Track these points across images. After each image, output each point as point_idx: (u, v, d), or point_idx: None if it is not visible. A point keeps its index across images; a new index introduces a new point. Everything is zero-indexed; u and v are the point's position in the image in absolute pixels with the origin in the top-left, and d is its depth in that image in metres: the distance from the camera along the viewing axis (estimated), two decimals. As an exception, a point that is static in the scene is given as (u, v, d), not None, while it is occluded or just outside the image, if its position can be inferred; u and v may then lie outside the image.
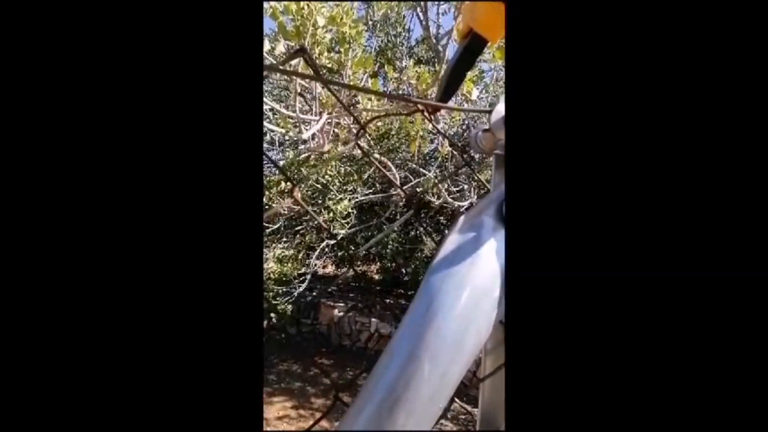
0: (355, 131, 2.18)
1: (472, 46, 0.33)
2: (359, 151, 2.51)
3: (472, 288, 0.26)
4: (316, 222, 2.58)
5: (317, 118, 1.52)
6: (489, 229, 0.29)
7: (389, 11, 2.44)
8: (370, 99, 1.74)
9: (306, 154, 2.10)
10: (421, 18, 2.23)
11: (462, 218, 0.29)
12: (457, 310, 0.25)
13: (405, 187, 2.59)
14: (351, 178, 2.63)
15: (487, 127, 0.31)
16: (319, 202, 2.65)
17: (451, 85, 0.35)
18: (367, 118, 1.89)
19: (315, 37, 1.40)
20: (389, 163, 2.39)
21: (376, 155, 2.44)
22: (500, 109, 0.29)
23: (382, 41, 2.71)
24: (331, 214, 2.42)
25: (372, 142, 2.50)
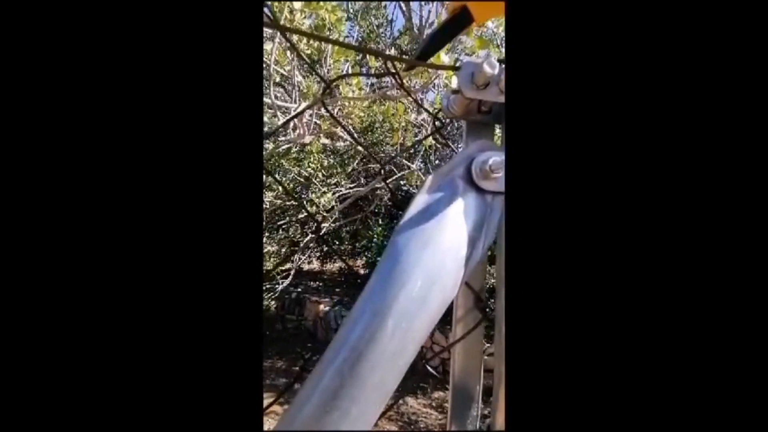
0: (339, 120, 2.15)
1: (460, 19, 0.34)
2: (343, 143, 2.49)
3: (437, 247, 0.26)
4: (299, 216, 2.54)
5: (295, 105, 1.49)
6: (457, 190, 0.29)
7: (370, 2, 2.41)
8: (350, 86, 1.72)
9: (287, 146, 2.07)
10: (404, 9, 2.22)
11: (430, 178, 0.28)
12: (422, 269, 0.25)
13: (389, 180, 2.59)
14: (334, 171, 2.60)
15: (456, 88, 0.31)
16: (303, 195, 2.61)
17: (429, 48, 0.35)
18: (348, 105, 1.87)
19: (293, 23, 1.37)
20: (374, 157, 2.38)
21: (359, 149, 2.42)
22: (466, 66, 0.29)
23: (363, 31, 2.68)
24: (314, 208, 2.39)
25: (356, 135, 2.48)
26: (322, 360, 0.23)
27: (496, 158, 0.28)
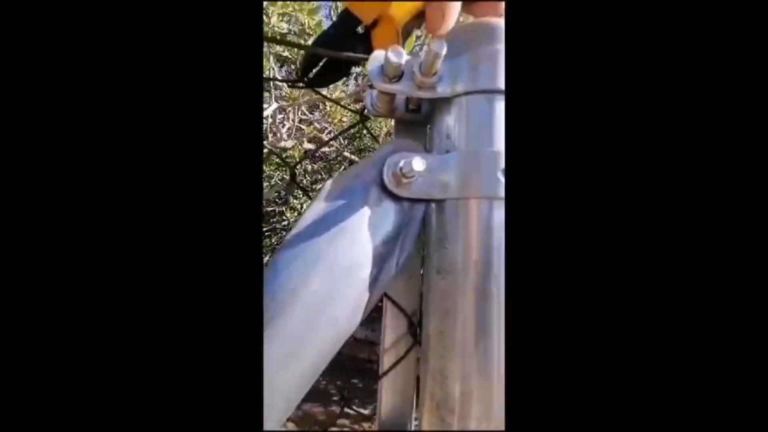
0: (327, 131, 2.12)
1: (346, 21, 0.31)
2: (329, 149, 2.46)
3: (330, 265, 0.21)
4: (282, 223, 2.48)
5: (266, 105, 1.45)
6: (366, 197, 0.24)
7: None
8: (330, 91, 1.68)
9: (266, 150, 2.02)
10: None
11: (329, 183, 0.24)
12: (308, 291, 0.20)
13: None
14: (319, 177, 2.55)
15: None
16: (287, 201, 2.56)
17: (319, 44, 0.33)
18: (333, 110, 1.84)
19: (270, 26, 1.33)
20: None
21: (346, 154, 2.38)
22: (377, 55, 0.25)
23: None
24: (297, 215, 2.34)
25: (345, 142, 2.44)
26: None
27: (409, 160, 0.23)
